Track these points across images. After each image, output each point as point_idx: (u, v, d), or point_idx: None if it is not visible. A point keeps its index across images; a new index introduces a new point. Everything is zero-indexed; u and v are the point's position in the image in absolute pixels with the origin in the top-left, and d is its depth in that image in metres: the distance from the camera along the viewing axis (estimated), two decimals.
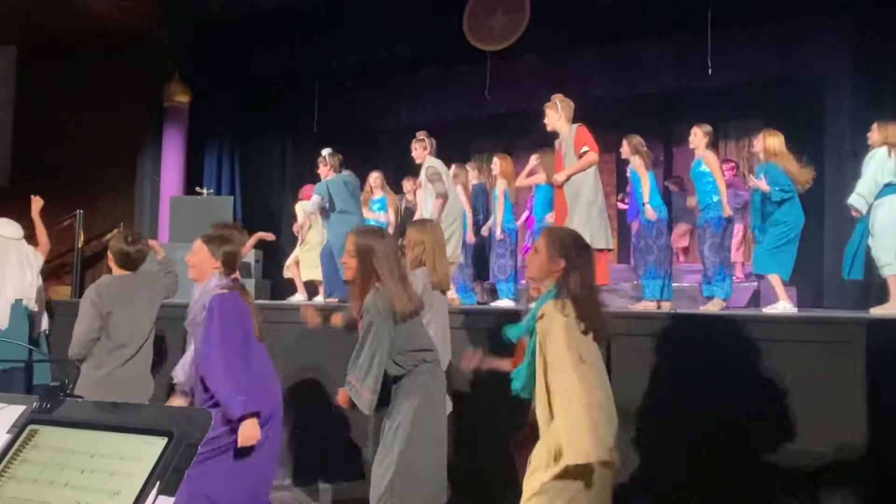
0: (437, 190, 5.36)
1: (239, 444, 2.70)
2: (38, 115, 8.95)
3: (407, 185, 7.00)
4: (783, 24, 6.56)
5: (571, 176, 4.82)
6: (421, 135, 5.64)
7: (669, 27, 6.77)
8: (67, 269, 7.63)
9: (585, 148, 4.82)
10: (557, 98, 5.06)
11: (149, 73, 8.17)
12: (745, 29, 6.66)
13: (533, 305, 2.46)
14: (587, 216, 4.75)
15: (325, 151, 6.02)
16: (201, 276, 2.96)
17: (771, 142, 4.92)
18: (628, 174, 5.73)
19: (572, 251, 2.42)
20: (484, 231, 6.33)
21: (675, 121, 7.34)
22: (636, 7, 6.54)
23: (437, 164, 5.50)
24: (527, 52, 7.25)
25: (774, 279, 4.79)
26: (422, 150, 5.56)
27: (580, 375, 2.25)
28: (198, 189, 7.69)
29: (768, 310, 4.70)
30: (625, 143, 5.54)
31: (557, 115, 5.00)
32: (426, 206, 5.49)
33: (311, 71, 7.92)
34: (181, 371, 3.08)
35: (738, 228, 6.66)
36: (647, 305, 5.19)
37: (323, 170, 5.98)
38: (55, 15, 7.94)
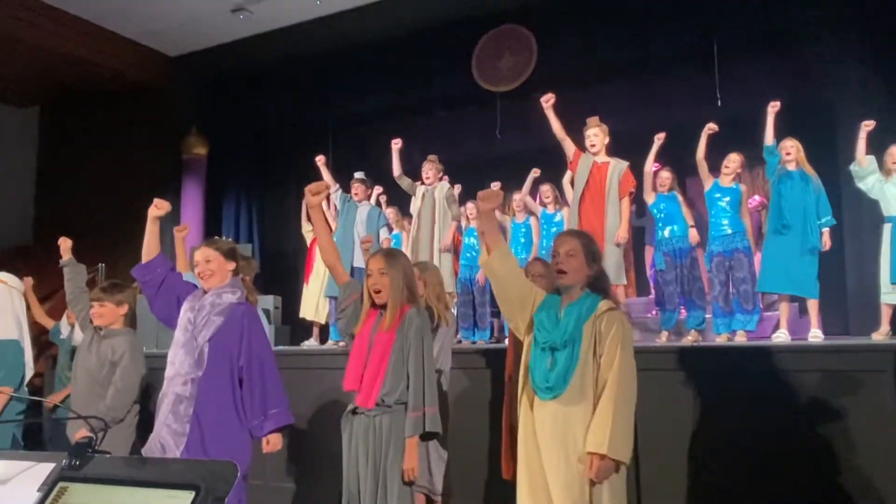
0: (454, 214, 5.43)
1: (266, 451, 2.85)
2: (60, 171, 9.17)
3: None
4: (788, 50, 6.59)
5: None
6: (433, 157, 5.66)
7: (676, 61, 6.82)
8: None
9: (633, 189, 4.75)
10: (598, 119, 4.87)
11: (167, 127, 8.38)
12: (751, 58, 6.70)
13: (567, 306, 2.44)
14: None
15: (362, 174, 6.03)
16: (221, 280, 3.01)
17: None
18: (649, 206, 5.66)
19: (600, 255, 2.55)
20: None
21: (685, 153, 7.33)
22: (641, 42, 6.62)
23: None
24: (536, 92, 7.31)
25: (814, 305, 4.63)
26: (435, 172, 5.58)
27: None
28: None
29: (811, 338, 4.52)
30: (670, 175, 5.36)
31: (606, 137, 4.84)
32: (438, 230, 5.47)
33: (324, 118, 8.07)
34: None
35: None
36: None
37: (364, 194, 5.97)
38: (75, 74, 8.21)
